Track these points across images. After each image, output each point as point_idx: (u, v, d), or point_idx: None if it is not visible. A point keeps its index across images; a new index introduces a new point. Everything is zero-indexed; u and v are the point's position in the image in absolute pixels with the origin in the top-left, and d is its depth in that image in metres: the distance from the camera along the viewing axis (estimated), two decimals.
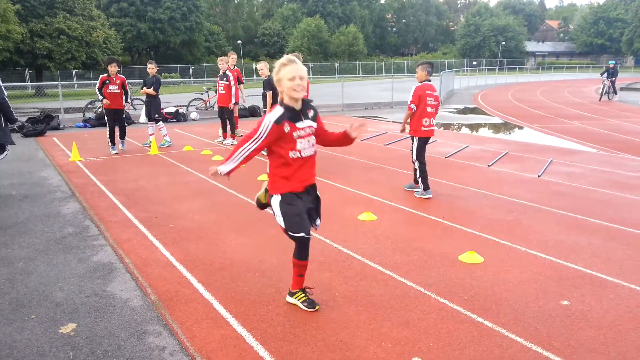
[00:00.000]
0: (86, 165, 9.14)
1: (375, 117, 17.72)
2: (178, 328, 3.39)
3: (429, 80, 6.77)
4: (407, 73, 59.45)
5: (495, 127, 15.43)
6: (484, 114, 19.16)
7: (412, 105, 6.68)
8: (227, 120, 11.45)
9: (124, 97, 10.26)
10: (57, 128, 14.56)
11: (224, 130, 11.58)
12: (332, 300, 3.79)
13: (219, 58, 11.51)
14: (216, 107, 18.35)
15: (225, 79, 11.14)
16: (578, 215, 5.87)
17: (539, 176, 8.00)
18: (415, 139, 6.82)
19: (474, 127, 15.53)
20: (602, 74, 23.22)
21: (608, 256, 4.65)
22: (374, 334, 3.30)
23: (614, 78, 22.56)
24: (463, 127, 15.49)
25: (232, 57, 11.58)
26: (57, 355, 3.10)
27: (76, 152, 9.75)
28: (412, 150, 6.89)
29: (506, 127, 15.49)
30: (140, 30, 55.61)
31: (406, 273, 4.27)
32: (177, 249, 4.89)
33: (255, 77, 32.78)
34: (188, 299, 3.81)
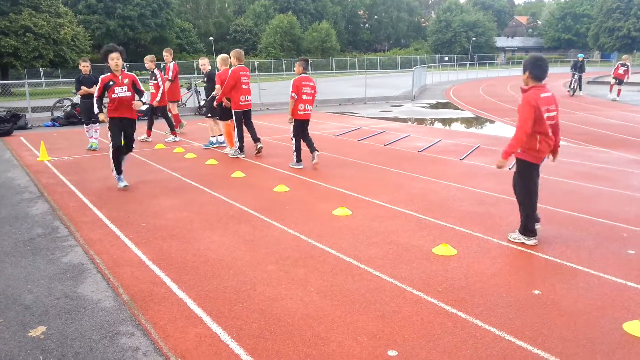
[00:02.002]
0: (55, 165, 8.94)
1: (348, 112, 17.76)
2: (151, 328, 3.34)
3: (305, 73, 8.27)
4: (380, 69, 59.71)
5: (467, 122, 15.62)
6: (456, 108, 19.38)
7: (293, 94, 8.15)
8: (165, 119, 11.56)
9: (138, 99, 7.05)
10: (24, 127, 14.20)
11: (148, 128, 11.75)
12: (307, 295, 3.78)
13: (145, 58, 11.79)
14: (189, 104, 18.23)
15: (153, 78, 11.19)
16: (548, 206, 5.97)
17: (509, 169, 8.10)
18: (293, 121, 8.33)
19: (446, 121, 15.69)
20: (571, 68, 23.62)
21: (577, 246, 4.74)
22: (349, 328, 3.30)
23: (582, 73, 22.96)
24: (436, 121, 15.64)
25: (165, 55, 12.17)
26: (26, 359, 3.03)
27: (44, 152, 9.52)
28: (291, 129, 8.47)
29: (478, 121, 15.69)
30: (109, 27, 54.60)
31: (381, 267, 4.29)
32: (149, 248, 4.82)
33: None
34: (161, 299, 3.76)
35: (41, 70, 36.03)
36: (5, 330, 3.37)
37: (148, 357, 3.03)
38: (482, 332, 3.24)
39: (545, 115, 4.74)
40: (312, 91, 8.32)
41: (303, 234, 5.13)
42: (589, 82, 31.56)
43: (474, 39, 77.88)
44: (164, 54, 12.41)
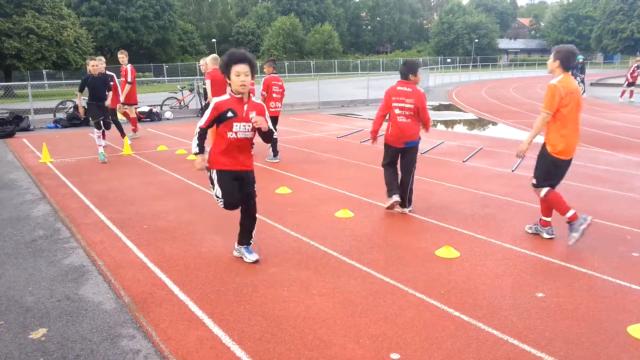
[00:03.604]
0: (57, 166, 8.94)
1: (351, 114, 17.75)
2: (152, 330, 3.32)
3: (275, 74, 9.19)
4: (383, 71, 59.71)
5: (470, 124, 15.59)
6: (459, 110, 19.35)
7: (264, 93, 8.97)
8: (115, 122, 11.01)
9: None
10: (26, 129, 14.22)
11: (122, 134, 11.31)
12: (309, 298, 3.76)
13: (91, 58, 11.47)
14: (192, 106, 18.25)
15: (110, 79, 10.90)
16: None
17: (512, 171, 8.10)
18: None
19: (449, 123, 15.66)
20: (572, 71, 23.53)
21: (580, 248, 4.72)
22: (351, 331, 3.28)
23: (583, 75, 22.88)
24: (438, 123, 15.61)
25: (121, 57, 11.84)
26: None
27: (47, 154, 9.53)
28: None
29: (480, 123, 15.65)
30: (112, 29, 54.75)
31: (383, 269, 4.27)
32: (151, 250, 4.80)
33: None
34: (163, 301, 3.75)
35: (44, 72, 36.14)
36: (6, 332, 3.36)
37: (149, 359, 3.01)
38: (485, 335, 3.21)
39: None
40: (281, 90, 9.18)
41: (305, 236, 5.11)
42: (592, 84, 31.50)
43: (476, 40, 77.82)
44: (119, 55, 11.97)
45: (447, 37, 79.95)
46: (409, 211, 5.92)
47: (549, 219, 5.04)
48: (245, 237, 4.52)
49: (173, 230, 5.39)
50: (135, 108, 12.81)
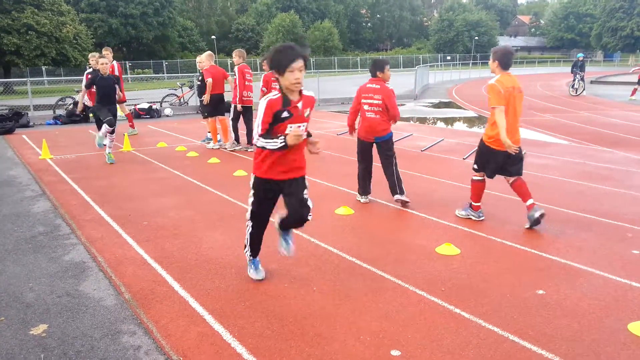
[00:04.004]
0: (57, 163, 8.93)
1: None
2: (153, 326, 3.32)
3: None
4: None
5: (470, 121, 15.58)
6: (459, 107, 19.34)
7: (263, 89, 8.84)
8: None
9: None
10: (26, 125, 14.20)
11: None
12: (310, 294, 3.76)
13: (92, 55, 10.82)
14: (191, 103, 18.22)
15: None
16: (551, 205, 5.95)
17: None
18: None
19: (448, 120, 15.66)
20: (572, 68, 23.47)
21: (581, 245, 4.72)
22: (352, 328, 3.28)
23: (583, 73, 22.86)
24: (438, 121, 15.61)
25: (106, 54, 11.05)
26: (27, 357, 3.01)
27: (46, 150, 9.52)
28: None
29: (480, 120, 15.64)
30: (111, 25, 54.69)
31: (384, 266, 4.27)
32: (151, 246, 4.80)
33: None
34: (163, 297, 3.75)
35: (43, 68, 36.08)
36: (7, 328, 3.35)
37: (150, 355, 3.01)
38: (485, 332, 3.21)
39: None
40: (277, 85, 9.03)
41: (305, 233, 5.10)
42: (592, 82, 31.48)
43: (476, 38, 77.76)
44: (104, 52, 11.23)
45: (447, 34, 79.88)
46: (406, 197, 6.04)
47: (478, 204, 5.51)
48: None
49: (173, 227, 5.38)
50: (126, 105, 12.64)
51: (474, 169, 5.55)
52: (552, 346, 3.06)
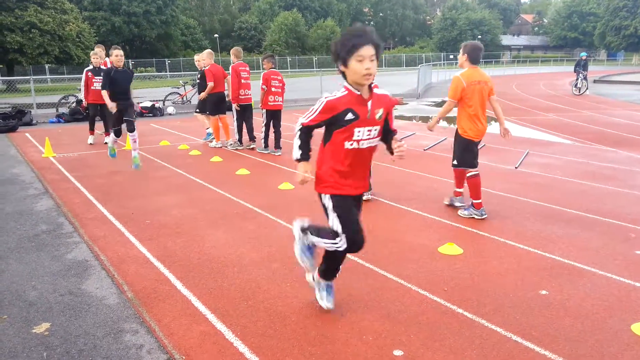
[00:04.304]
0: (60, 161, 8.95)
1: None
2: (156, 325, 3.32)
3: (273, 69, 9.28)
4: (385, 67, 59.58)
5: None
6: None
7: (264, 87, 9.08)
8: (103, 118, 10.58)
9: None
10: (29, 124, 14.23)
11: (106, 130, 10.83)
12: (312, 294, 3.75)
13: (92, 52, 10.74)
14: (194, 101, 18.21)
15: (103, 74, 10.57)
16: (554, 205, 5.93)
17: (515, 168, 8.08)
18: (264, 111, 9.27)
19: (451, 120, 15.62)
20: (575, 67, 23.41)
21: (584, 245, 4.71)
22: (354, 327, 3.28)
23: (585, 72, 22.79)
24: (441, 120, 15.57)
25: (99, 51, 11.16)
26: (30, 355, 3.02)
27: (49, 148, 9.53)
28: (263, 119, 9.33)
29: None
30: (114, 24, 54.71)
31: (386, 265, 4.26)
32: (154, 245, 4.80)
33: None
34: (166, 296, 3.75)
35: (46, 66, 36.18)
36: (10, 326, 3.36)
37: (152, 354, 3.01)
38: (488, 333, 3.21)
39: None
40: (281, 84, 9.30)
41: None
42: (595, 81, 31.40)
43: (479, 37, 77.55)
44: (96, 49, 11.19)
45: (450, 33, 79.79)
46: (371, 194, 6.31)
47: (479, 201, 5.54)
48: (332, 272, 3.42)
49: (176, 225, 5.39)
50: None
51: (453, 165, 5.74)
52: (555, 346, 3.05)
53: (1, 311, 3.57)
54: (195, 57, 10.94)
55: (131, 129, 7.87)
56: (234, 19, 76.17)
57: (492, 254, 4.53)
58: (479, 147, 5.67)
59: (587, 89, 23.11)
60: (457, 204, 5.85)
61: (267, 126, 9.41)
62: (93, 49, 11.10)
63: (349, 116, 2.96)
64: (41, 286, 3.96)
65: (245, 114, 9.75)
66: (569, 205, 5.98)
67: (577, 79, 23.10)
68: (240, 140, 10.01)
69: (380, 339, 3.15)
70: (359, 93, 2.98)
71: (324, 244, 3.24)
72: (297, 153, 3.15)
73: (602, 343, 3.09)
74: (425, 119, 15.60)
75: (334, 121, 3.00)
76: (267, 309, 3.53)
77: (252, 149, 9.96)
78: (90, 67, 10.55)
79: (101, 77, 10.29)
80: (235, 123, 9.95)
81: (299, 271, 4.16)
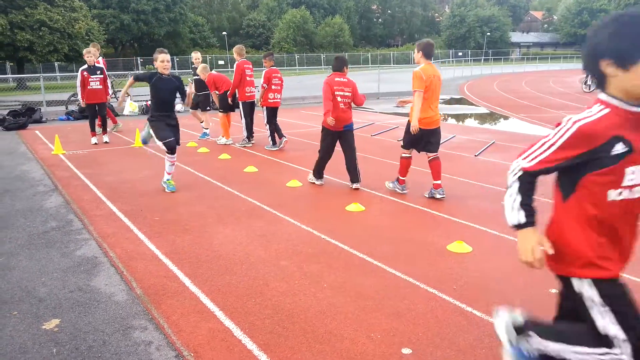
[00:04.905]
0: (69, 158, 8.99)
1: (361, 108, 17.68)
2: (164, 322, 3.33)
3: (274, 67, 9.45)
4: (393, 64, 59.44)
5: (482, 117, 15.48)
6: (470, 104, 19.21)
7: (264, 85, 9.23)
8: (102, 117, 10.68)
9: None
10: (39, 121, 14.31)
11: (104, 129, 10.97)
12: (320, 291, 3.75)
13: (85, 51, 10.50)
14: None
15: (99, 72, 10.36)
16: None
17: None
18: (265, 108, 9.38)
19: (460, 117, 15.56)
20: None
21: None
22: (363, 325, 3.27)
23: None
24: (449, 117, 15.51)
25: (94, 50, 11.04)
26: (40, 351, 3.03)
27: (59, 145, 9.59)
28: (264, 116, 9.46)
29: (492, 117, 15.54)
30: (123, 21, 54.89)
31: (394, 263, 4.24)
32: (162, 242, 4.82)
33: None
34: (174, 293, 3.76)
35: (56, 64, 36.34)
36: (20, 322, 3.38)
37: (161, 351, 3.02)
38: None
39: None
40: (280, 82, 9.50)
41: (316, 229, 5.10)
42: None
43: (488, 34, 77.22)
44: (91, 47, 11.14)
45: (458, 30, 79.42)
46: (360, 185, 6.70)
47: (404, 178, 6.37)
48: None
49: (184, 222, 5.40)
50: (136, 102, 12.87)
51: (402, 147, 6.33)
52: None
53: (11, 307, 3.59)
54: (193, 56, 11.17)
55: (172, 151, 6.55)
56: (242, 16, 76.20)
57: (502, 251, 4.50)
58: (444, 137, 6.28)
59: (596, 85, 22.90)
60: (437, 196, 6.15)
61: (270, 123, 9.54)
62: (103, 47, 11.19)
63: (620, 148, 1.87)
64: (51, 282, 3.99)
65: (249, 110, 9.87)
66: None
67: (586, 76, 22.91)
68: (249, 137, 10.06)
69: (388, 336, 3.14)
70: (631, 109, 1.89)
71: (582, 355, 2.03)
72: (516, 214, 2.17)
73: None
74: None
75: (591, 158, 1.91)
76: (275, 307, 3.53)
77: (252, 144, 10.13)
78: (85, 66, 10.32)
79: (98, 76, 10.25)
80: (243, 121, 9.98)
81: (307, 269, 4.16)
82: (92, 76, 10.23)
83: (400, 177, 6.38)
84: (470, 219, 5.41)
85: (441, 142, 6.47)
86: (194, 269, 4.19)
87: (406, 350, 2.99)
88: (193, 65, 11.18)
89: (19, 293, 3.81)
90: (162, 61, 6.36)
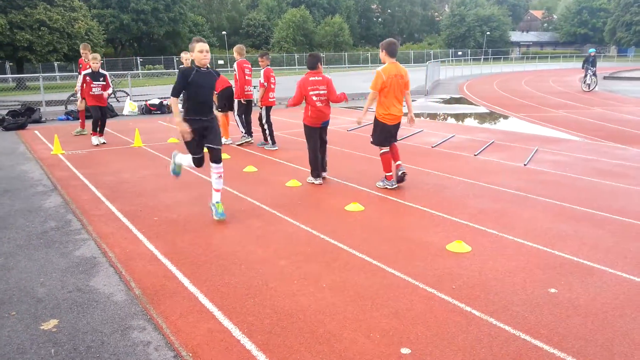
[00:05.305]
0: (68, 158, 8.99)
1: (361, 107, 17.66)
2: (163, 322, 3.33)
3: (269, 65, 9.54)
4: None
5: (481, 117, 15.47)
6: (470, 103, 19.20)
7: (265, 83, 9.33)
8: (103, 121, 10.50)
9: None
10: (38, 121, 14.31)
11: (101, 131, 10.65)
12: (319, 291, 3.75)
13: (92, 57, 10.39)
14: None
15: (102, 78, 10.22)
16: (564, 203, 5.88)
17: (525, 165, 8.02)
18: (263, 108, 9.44)
19: (459, 116, 15.55)
20: (584, 64, 23.20)
21: (594, 243, 4.66)
22: (362, 325, 3.27)
23: (594, 68, 22.58)
24: (449, 117, 15.51)
25: (84, 53, 11.19)
26: (38, 352, 3.03)
27: (58, 145, 9.58)
28: (261, 115, 9.49)
29: (492, 116, 15.53)
30: (123, 21, 54.88)
31: (394, 263, 4.24)
32: (161, 242, 4.81)
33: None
34: (173, 293, 3.75)
35: (55, 64, 36.38)
36: (18, 322, 3.38)
37: (159, 351, 3.02)
38: (497, 331, 3.18)
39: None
40: (274, 81, 9.63)
41: (315, 229, 5.09)
42: (605, 78, 31.13)
43: (488, 33, 77.21)
44: (82, 50, 11.33)
45: (458, 29, 79.44)
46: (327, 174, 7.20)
47: (390, 174, 6.60)
48: None
49: (183, 222, 5.39)
50: (136, 101, 12.89)
51: (371, 142, 6.68)
52: (564, 345, 3.02)
53: (10, 307, 3.59)
54: (183, 56, 11.01)
55: (216, 159, 5.48)
56: (241, 16, 76.21)
57: (501, 251, 4.50)
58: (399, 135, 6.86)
59: (596, 84, 22.91)
60: (399, 173, 6.57)
61: (269, 122, 9.60)
62: (102, 47, 11.19)
63: None
64: (49, 283, 3.98)
65: (247, 109, 9.90)
66: (578, 202, 5.92)
67: (585, 75, 22.92)
68: (249, 133, 10.17)
69: (387, 336, 3.13)
70: None
71: None
72: None
73: (612, 342, 3.06)
74: (434, 116, 15.54)
75: None
76: (274, 307, 3.52)
77: (251, 143, 10.16)
78: (89, 70, 10.18)
79: (100, 83, 10.04)
80: (237, 118, 10.02)
81: (306, 268, 4.16)
82: (94, 82, 10.15)
83: (387, 174, 6.60)
84: (469, 218, 5.41)
85: (440, 141, 6.51)
86: (192, 269, 4.18)
87: (405, 350, 2.98)
88: (181, 65, 11.20)
89: (17, 293, 3.81)
90: (201, 51, 5.12)
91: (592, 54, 22.65)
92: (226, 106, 10.17)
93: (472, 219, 5.37)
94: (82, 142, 10.72)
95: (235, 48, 10.00)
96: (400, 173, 6.52)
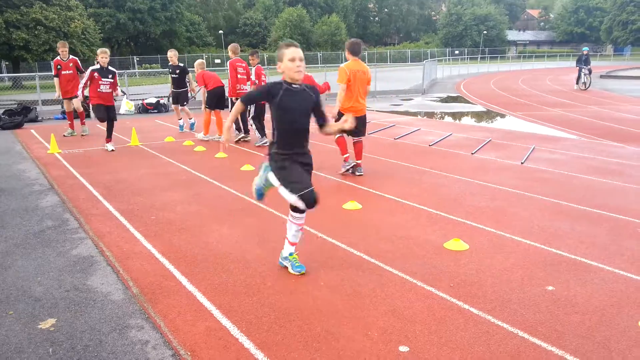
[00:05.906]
0: (65, 157, 8.96)
1: None
2: (161, 321, 3.32)
3: (259, 64, 9.95)
4: (390, 63, 59.43)
5: (478, 116, 15.49)
6: (467, 102, 19.23)
7: (256, 81, 9.65)
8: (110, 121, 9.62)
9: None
10: (35, 120, 14.27)
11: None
12: (317, 289, 3.75)
13: (101, 51, 9.37)
14: (199, 97, 18.18)
15: (111, 75, 9.30)
16: (561, 201, 5.89)
17: (522, 163, 8.04)
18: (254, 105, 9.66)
19: (457, 115, 15.57)
20: (577, 63, 23.21)
21: (592, 241, 4.67)
22: (360, 323, 3.27)
23: (588, 67, 22.62)
24: (446, 115, 15.52)
25: (63, 51, 11.38)
26: (36, 351, 3.02)
27: (55, 144, 9.55)
28: (249, 112, 9.76)
29: (489, 115, 15.55)
30: (119, 20, 54.78)
31: (391, 261, 4.24)
32: (159, 241, 4.80)
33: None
34: (171, 292, 3.74)
35: (52, 63, 36.27)
36: (16, 322, 3.36)
37: (157, 350, 3.01)
38: (494, 329, 3.19)
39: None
40: (265, 78, 9.79)
41: (313, 227, 5.09)
42: (601, 76, 31.20)
43: (485, 32, 77.31)
44: (61, 49, 11.41)
45: (455, 28, 79.49)
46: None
47: (347, 155, 7.27)
48: None
49: (181, 221, 5.38)
50: (133, 100, 13.12)
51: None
52: (562, 343, 3.02)
53: (7, 307, 3.57)
54: (169, 54, 11.41)
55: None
56: (238, 15, 76.06)
57: (498, 249, 4.50)
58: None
59: (590, 82, 22.96)
60: (357, 173, 7.24)
61: (258, 117, 9.82)
62: (99, 46, 11.16)
63: None
64: (47, 282, 3.97)
65: None
66: (575, 200, 5.93)
67: (579, 75, 22.98)
68: (245, 130, 10.30)
69: (385, 334, 3.13)
70: None
71: None
72: None
73: (610, 339, 3.07)
74: (431, 115, 15.56)
75: None
76: (272, 305, 3.52)
77: (247, 141, 10.26)
78: (97, 66, 9.21)
79: (109, 80, 9.13)
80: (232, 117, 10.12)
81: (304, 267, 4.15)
82: (103, 79, 9.14)
83: (344, 155, 7.27)
84: (467, 216, 5.41)
85: (437, 140, 6.52)
86: (190, 267, 4.18)
87: (403, 348, 2.98)
88: (170, 64, 11.46)
89: (14, 292, 3.79)
90: (293, 59, 3.68)
91: (586, 53, 22.69)
92: (215, 105, 10.36)
93: (470, 217, 5.38)
94: (79, 141, 10.69)
95: (230, 47, 10.18)
96: (353, 164, 7.24)
